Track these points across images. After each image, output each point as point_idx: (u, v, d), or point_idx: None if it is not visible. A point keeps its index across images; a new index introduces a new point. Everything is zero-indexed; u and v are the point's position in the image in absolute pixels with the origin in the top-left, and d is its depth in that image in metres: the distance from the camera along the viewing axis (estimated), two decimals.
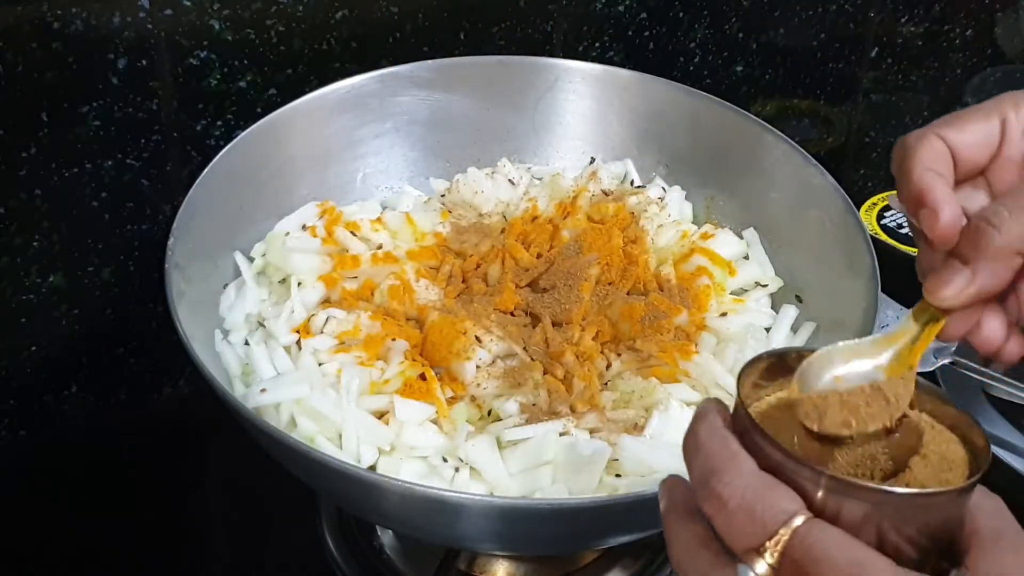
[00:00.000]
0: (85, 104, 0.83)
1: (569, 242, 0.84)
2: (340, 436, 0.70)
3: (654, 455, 0.69)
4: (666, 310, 0.79)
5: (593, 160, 0.94)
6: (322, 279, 0.80)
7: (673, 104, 0.91)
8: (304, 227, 0.84)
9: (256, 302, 0.79)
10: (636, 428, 0.72)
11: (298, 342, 0.76)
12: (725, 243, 0.86)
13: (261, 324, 0.79)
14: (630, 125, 0.93)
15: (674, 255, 0.86)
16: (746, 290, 0.86)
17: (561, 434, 0.70)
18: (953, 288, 0.47)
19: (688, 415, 0.73)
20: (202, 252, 0.76)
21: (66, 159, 0.84)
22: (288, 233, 0.83)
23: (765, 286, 0.86)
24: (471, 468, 0.69)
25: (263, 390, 0.71)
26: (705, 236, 0.86)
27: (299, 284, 0.80)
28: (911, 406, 0.48)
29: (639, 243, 0.85)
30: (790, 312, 0.82)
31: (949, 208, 0.48)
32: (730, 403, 0.47)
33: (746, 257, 0.87)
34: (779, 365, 0.50)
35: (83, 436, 0.94)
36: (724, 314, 0.81)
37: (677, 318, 0.79)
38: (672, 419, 0.72)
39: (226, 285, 0.80)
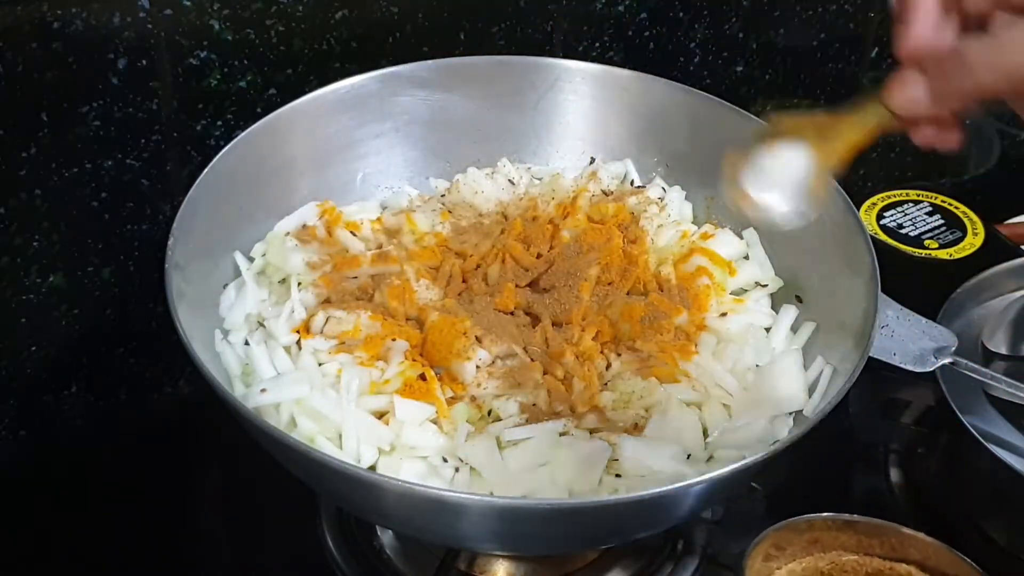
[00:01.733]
0: (85, 104, 0.83)
1: (569, 242, 0.84)
2: (340, 436, 0.70)
3: (654, 455, 0.69)
4: (666, 310, 0.79)
5: (593, 160, 0.94)
6: (322, 279, 0.80)
7: (673, 104, 0.90)
8: (304, 227, 0.84)
9: (256, 302, 0.79)
10: (636, 428, 0.72)
11: (298, 342, 0.76)
12: (725, 243, 0.86)
13: (261, 324, 0.79)
14: (630, 125, 0.93)
15: (674, 255, 0.86)
16: (746, 290, 0.86)
17: (561, 434, 0.71)
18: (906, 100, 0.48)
19: (688, 415, 0.73)
20: (202, 252, 0.76)
21: (66, 159, 0.84)
22: (288, 233, 0.83)
23: (765, 286, 0.85)
24: (471, 468, 0.69)
25: (263, 390, 0.71)
26: (705, 236, 0.86)
27: (299, 284, 0.80)
28: (924, 568, 0.47)
29: (639, 243, 0.85)
30: (790, 312, 0.82)
31: (923, 26, 0.47)
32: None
33: (746, 257, 0.87)
34: (789, 533, 0.48)
35: (83, 436, 0.94)
36: (724, 314, 0.81)
37: (677, 318, 0.79)
38: (672, 419, 0.72)
39: (226, 285, 0.80)
